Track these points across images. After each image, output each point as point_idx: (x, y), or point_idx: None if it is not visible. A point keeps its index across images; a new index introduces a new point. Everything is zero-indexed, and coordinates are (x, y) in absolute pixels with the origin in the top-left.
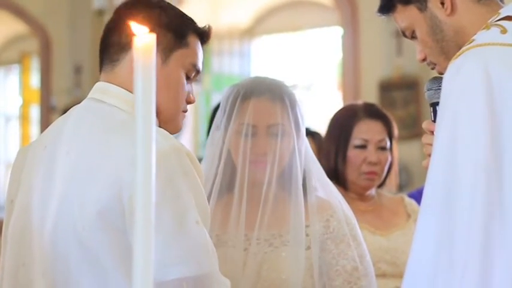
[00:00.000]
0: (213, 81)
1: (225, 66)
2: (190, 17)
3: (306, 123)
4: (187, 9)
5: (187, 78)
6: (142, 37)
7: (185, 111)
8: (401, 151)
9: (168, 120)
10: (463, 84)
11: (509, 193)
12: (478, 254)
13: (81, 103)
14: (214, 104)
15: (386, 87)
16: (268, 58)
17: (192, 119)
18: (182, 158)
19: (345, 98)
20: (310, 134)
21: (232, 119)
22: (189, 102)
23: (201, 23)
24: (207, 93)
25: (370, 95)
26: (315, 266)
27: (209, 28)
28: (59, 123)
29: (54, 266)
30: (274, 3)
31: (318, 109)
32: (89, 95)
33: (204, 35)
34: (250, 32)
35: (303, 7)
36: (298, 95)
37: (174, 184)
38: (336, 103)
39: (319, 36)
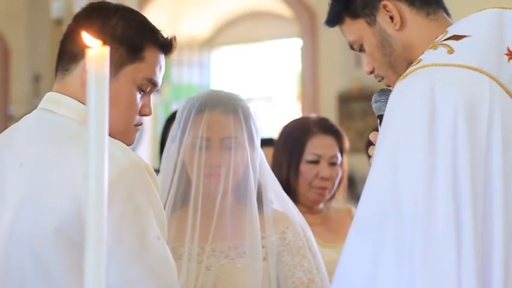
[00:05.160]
0: (172, 92)
1: (185, 76)
2: (152, 27)
3: (263, 135)
4: None
5: (143, 91)
6: (96, 49)
7: (138, 124)
8: (358, 163)
9: (117, 135)
10: (407, 106)
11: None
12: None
13: (32, 113)
14: None
15: (345, 99)
16: (228, 69)
17: (151, 129)
18: (141, 172)
19: (303, 110)
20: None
21: (187, 132)
22: (144, 114)
23: (163, 33)
24: (166, 104)
25: (329, 107)
26: (272, 278)
27: (172, 39)
28: (9, 133)
29: (8, 281)
30: (233, 15)
31: (277, 120)
32: (40, 105)
33: (165, 47)
34: (210, 43)
35: (262, 18)
36: (254, 107)
37: (135, 200)
38: (295, 114)
39: (279, 48)
